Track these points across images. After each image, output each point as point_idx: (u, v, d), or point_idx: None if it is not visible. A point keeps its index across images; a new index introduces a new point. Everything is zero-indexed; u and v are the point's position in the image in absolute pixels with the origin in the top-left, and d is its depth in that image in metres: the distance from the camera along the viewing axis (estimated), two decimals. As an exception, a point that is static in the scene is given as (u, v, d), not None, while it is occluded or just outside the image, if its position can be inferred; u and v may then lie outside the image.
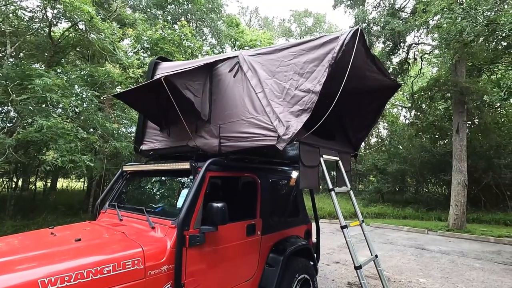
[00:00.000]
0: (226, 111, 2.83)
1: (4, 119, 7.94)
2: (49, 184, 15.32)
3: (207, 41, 16.87)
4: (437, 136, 15.87)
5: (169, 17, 13.95)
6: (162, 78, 2.38)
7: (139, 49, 10.80)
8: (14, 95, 6.40)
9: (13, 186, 11.56)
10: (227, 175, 2.94)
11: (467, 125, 11.75)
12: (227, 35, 16.96)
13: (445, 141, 15.34)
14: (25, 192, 12.63)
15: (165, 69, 3.49)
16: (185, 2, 13.87)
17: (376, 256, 3.13)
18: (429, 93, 13.01)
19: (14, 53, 8.79)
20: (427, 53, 13.47)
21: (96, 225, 2.83)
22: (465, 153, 10.35)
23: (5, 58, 8.23)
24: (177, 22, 12.86)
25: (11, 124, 7.34)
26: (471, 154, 12.04)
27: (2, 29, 7.88)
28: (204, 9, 14.26)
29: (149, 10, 12.97)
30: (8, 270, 1.71)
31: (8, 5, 7.84)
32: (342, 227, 2.80)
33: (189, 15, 14.40)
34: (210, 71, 3.02)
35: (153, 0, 13.21)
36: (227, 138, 2.76)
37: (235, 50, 18.06)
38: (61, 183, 17.96)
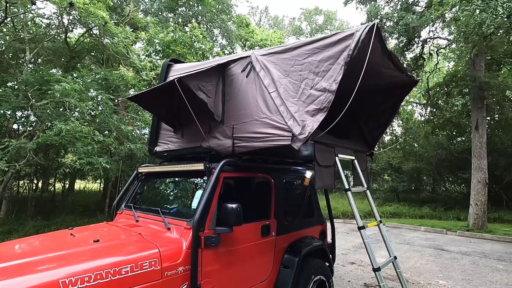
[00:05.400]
0: (239, 112, 2.82)
1: (25, 123, 8.22)
2: (67, 185, 15.79)
3: (217, 42, 16.97)
4: (454, 133, 15.37)
5: (180, 20, 14.11)
6: (175, 79, 2.39)
7: (151, 52, 10.97)
8: (33, 100, 6.62)
9: (34, 187, 12.00)
10: (241, 175, 2.93)
11: (487, 121, 11.31)
12: (238, 35, 17.01)
13: (463, 138, 14.84)
14: (45, 193, 13.07)
15: (178, 70, 3.51)
16: (196, 4, 13.99)
17: (395, 257, 3.04)
18: (446, 88, 12.60)
19: (33, 59, 9.10)
20: (443, 48, 13.06)
21: (113, 226, 2.88)
22: (485, 150, 9.96)
23: (24, 64, 8.53)
24: (188, 24, 13.00)
25: (31, 128, 7.59)
26: (491, 151, 11.59)
27: (22, 36, 8.16)
28: (214, 10, 14.33)
29: (160, 13, 13.16)
30: (31, 270, 1.76)
31: (27, 13, 8.12)
32: (360, 228, 2.74)
33: (200, 16, 14.51)
34: (223, 71, 3.01)
35: (164, 3, 13.39)
36: (241, 139, 2.74)
37: (246, 50, 18.06)
38: (79, 184, 18.50)
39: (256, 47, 17.80)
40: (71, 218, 9.21)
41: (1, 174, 6.91)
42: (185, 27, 13.32)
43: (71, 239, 2.43)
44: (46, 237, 2.76)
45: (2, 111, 6.65)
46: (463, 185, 15.10)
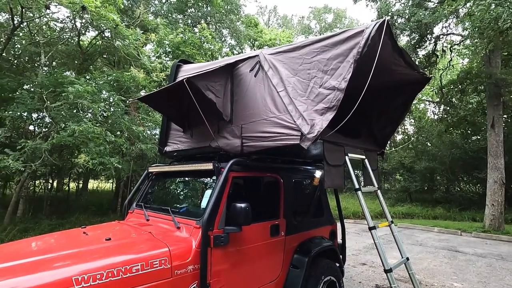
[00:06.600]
0: (248, 111, 2.82)
1: (40, 124, 8.46)
2: (81, 185, 16.17)
3: (226, 42, 17.03)
4: (469, 132, 14.97)
5: (189, 21, 14.23)
6: (184, 80, 2.41)
7: (162, 53, 11.10)
8: (48, 102, 6.80)
9: (49, 187, 12.34)
10: (249, 175, 2.92)
11: (504, 119, 10.95)
12: (246, 35, 17.03)
13: (479, 137, 14.43)
14: (60, 193, 13.41)
15: (187, 71, 3.54)
16: (205, 5, 14.08)
17: (408, 258, 2.98)
18: (460, 86, 12.29)
19: (48, 62, 9.35)
20: (456, 44, 12.71)
21: (125, 225, 2.93)
22: (501, 149, 9.65)
23: (40, 67, 8.77)
24: (197, 25, 13.10)
25: (46, 129, 7.81)
26: (509, 150, 11.22)
27: (37, 40, 8.40)
28: (223, 11, 14.40)
29: (170, 15, 13.30)
30: (46, 267, 1.81)
31: (41, 17, 8.35)
32: (370, 228, 2.70)
33: (209, 17, 14.60)
34: (231, 71, 3.02)
35: (174, 5, 13.54)
36: (249, 138, 2.74)
37: (254, 50, 18.06)
38: (92, 184, 18.91)
39: (265, 46, 17.78)
40: (85, 217, 9.41)
41: (18, 174, 7.14)
42: (195, 28, 13.44)
43: (84, 238, 2.49)
44: (60, 235, 2.83)
45: (19, 113, 6.86)
46: (478, 185, 14.69)
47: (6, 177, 10.18)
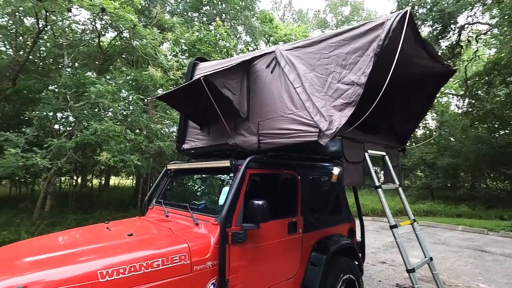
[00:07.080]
0: (265, 108, 2.80)
1: (65, 123, 8.82)
2: (103, 181, 16.78)
3: (241, 39, 17.01)
4: (496, 126, 14.20)
5: (204, 19, 14.32)
6: (201, 78, 2.42)
7: (178, 51, 11.24)
8: (72, 102, 7.07)
9: (74, 183, 12.89)
10: (267, 172, 2.92)
11: (535, 112, 10.34)
12: (261, 31, 16.92)
13: (507, 131, 13.67)
14: (84, 189, 13.98)
15: (204, 69, 3.56)
16: (219, 2, 14.11)
17: (431, 258, 2.88)
18: (487, 78, 11.68)
19: (70, 63, 9.71)
20: (483, 34, 12.06)
21: (145, 221, 3.00)
22: (533, 144, 9.12)
23: (63, 68, 9.12)
24: (212, 23, 13.16)
25: (70, 128, 8.13)
26: (540, 145, 10.57)
27: (60, 42, 8.73)
28: (237, 8, 14.38)
29: (185, 13, 13.43)
30: (72, 261, 1.89)
31: (64, 20, 8.66)
32: (392, 227, 2.62)
33: (224, 14, 14.63)
34: (247, 68, 3.01)
35: (189, 3, 13.65)
36: (266, 135, 2.73)
37: (270, 46, 17.93)
38: (113, 180, 19.58)
39: (280, 42, 17.62)
40: (107, 212, 9.76)
41: (45, 171, 7.49)
42: (210, 25, 13.51)
43: (108, 233, 2.57)
44: (85, 230, 2.95)
45: (45, 113, 7.18)
46: (506, 181, 13.96)
47: (34, 174, 10.73)
